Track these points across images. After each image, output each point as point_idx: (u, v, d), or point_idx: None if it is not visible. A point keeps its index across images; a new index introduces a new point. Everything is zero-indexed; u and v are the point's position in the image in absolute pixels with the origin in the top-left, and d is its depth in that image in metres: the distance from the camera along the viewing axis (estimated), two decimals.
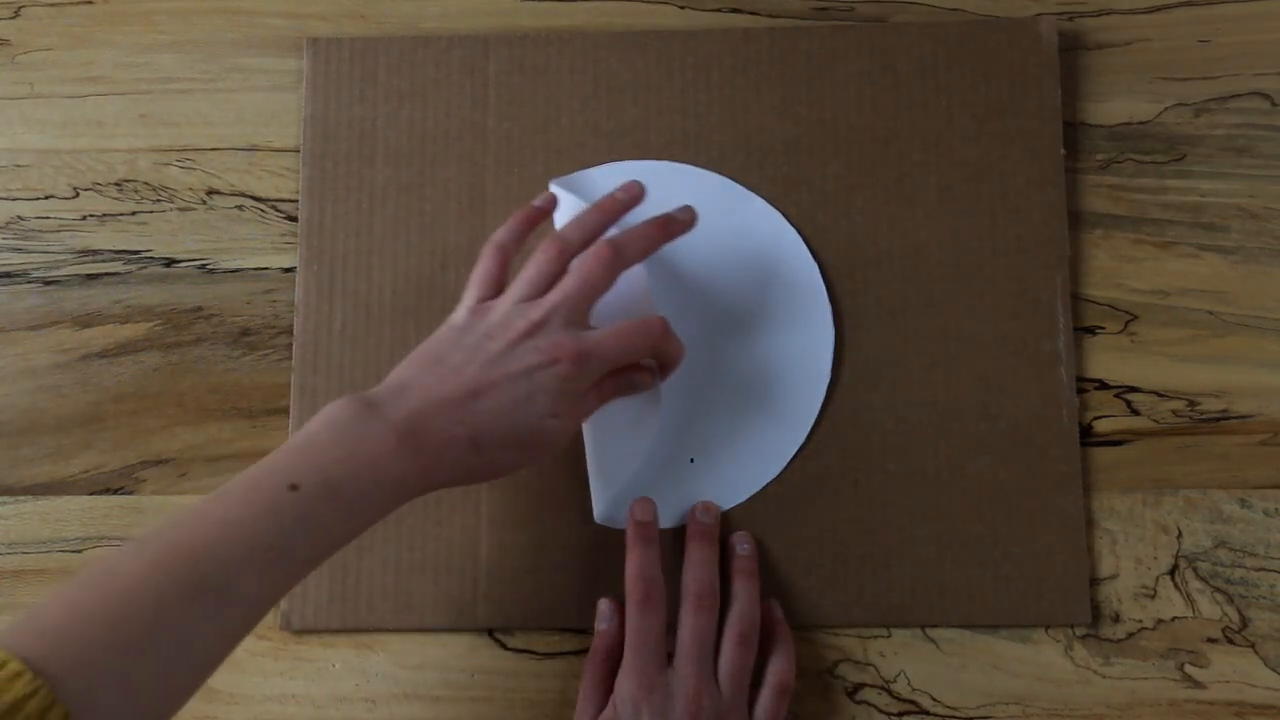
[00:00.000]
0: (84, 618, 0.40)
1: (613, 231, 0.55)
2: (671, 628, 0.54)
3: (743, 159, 0.61)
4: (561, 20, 0.63)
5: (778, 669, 0.54)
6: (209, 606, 0.42)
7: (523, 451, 0.50)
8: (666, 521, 0.57)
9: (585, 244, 0.53)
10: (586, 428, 0.57)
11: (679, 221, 0.55)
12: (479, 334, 0.50)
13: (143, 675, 0.40)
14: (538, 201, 0.56)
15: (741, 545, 0.57)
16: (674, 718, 0.51)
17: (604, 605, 0.56)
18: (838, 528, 0.58)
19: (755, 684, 0.54)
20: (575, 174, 0.60)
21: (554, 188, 0.59)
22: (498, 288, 0.53)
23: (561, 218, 0.58)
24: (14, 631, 0.39)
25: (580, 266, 0.52)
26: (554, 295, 0.51)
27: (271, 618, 0.57)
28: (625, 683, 0.52)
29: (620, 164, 0.60)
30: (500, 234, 0.54)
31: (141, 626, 0.41)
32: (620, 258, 0.52)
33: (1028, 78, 0.61)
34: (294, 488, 0.45)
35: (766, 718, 0.53)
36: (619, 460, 0.57)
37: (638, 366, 0.54)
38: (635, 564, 0.55)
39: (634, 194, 0.55)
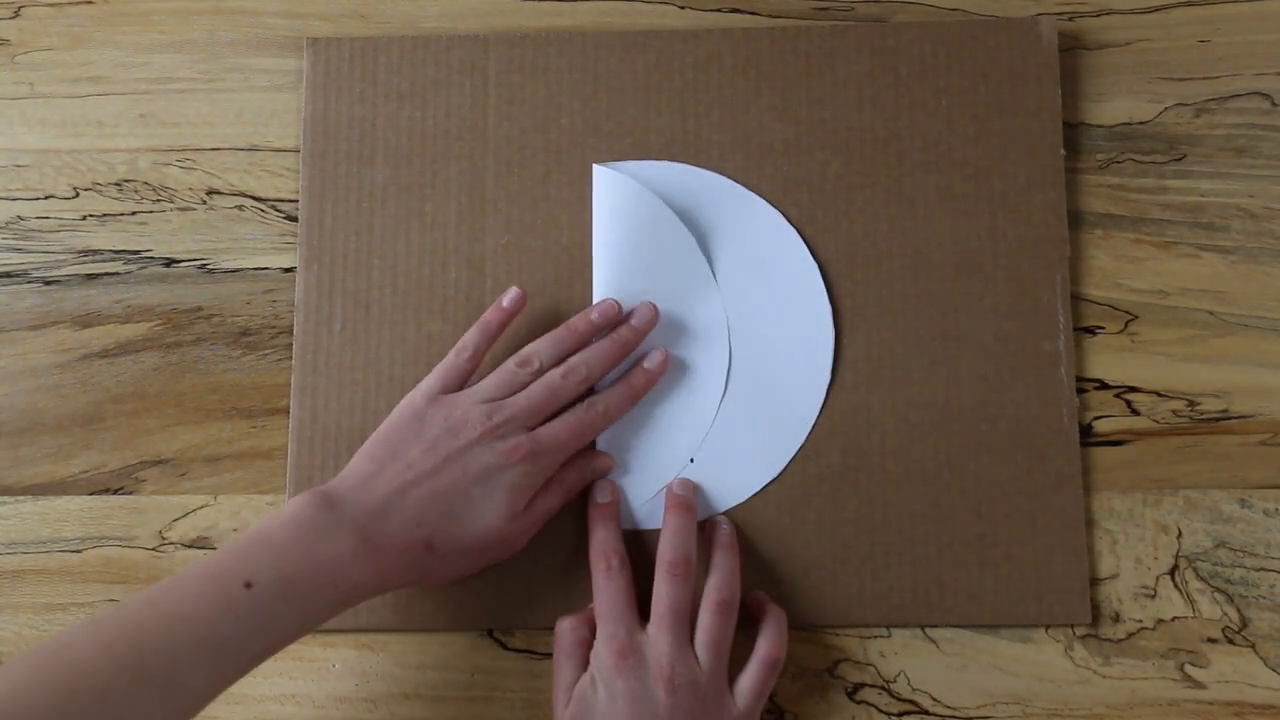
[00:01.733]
0: (31, 695, 0.42)
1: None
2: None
3: (743, 159, 0.61)
4: (562, 20, 0.63)
5: (767, 643, 0.54)
6: (155, 696, 0.44)
7: (478, 556, 0.53)
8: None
9: (556, 361, 0.56)
10: (603, 436, 0.58)
11: (651, 373, 0.57)
12: (440, 428, 0.53)
13: None
14: (505, 302, 0.57)
15: (723, 520, 0.57)
16: (649, 684, 0.51)
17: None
18: (838, 528, 0.58)
19: (744, 659, 0.54)
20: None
21: (598, 170, 0.60)
22: (460, 384, 0.55)
23: (600, 200, 0.59)
24: None
25: (547, 385, 0.55)
26: (520, 400, 0.54)
27: None
28: (600, 650, 0.52)
29: (621, 164, 0.60)
30: (470, 335, 0.56)
31: (87, 710, 0.42)
32: (592, 412, 0.55)
33: (1028, 78, 0.61)
34: (249, 585, 0.47)
35: (750, 691, 0.53)
36: (634, 463, 0.58)
37: (598, 454, 0.57)
38: (597, 540, 0.55)
39: (610, 316, 0.57)
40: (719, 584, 0.54)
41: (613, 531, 0.56)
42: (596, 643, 0.53)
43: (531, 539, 0.57)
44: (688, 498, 0.57)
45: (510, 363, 0.55)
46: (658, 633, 0.52)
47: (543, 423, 0.54)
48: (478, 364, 0.56)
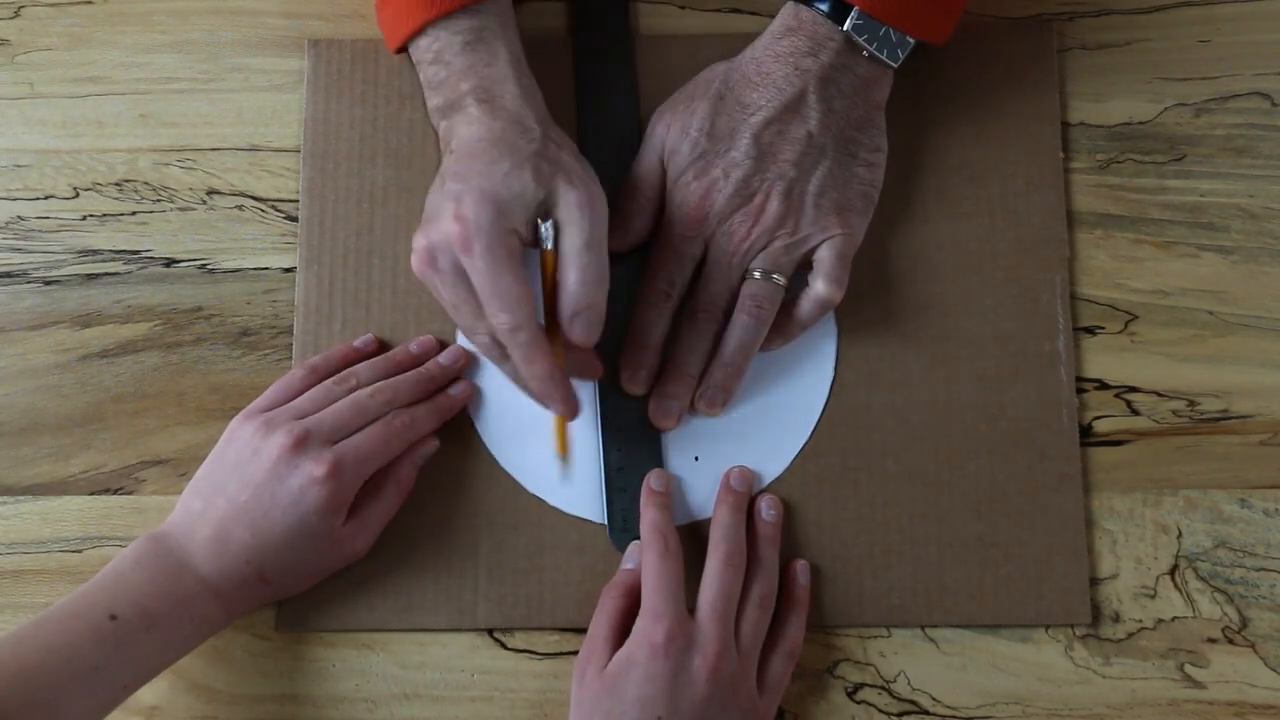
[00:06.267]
0: None
1: None
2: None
3: None
4: (561, 21, 0.63)
5: (791, 634, 0.55)
6: (41, 718, 0.47)
7: (312, 571, 0.55)
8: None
9: (371, 383, 0.57)
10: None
11: (455, 399, 0.58)
12: (249, 451, 0.53)
13: None
14: (358, 343, 0.59)
15: (767, 510, 0.57)
16: (693, 670, 0.51)
17: (635, 547, 0.57)
18: (838, 528, 0.58)
19: (766, 644, 0.54)
20: None
21: None
22: (286, 399, 0.56)
23: None
24: None
25: (354, 401, 0.55)
26: (325, 414, 0.54)
27: (271, 618, 0.57)
28: (647, 626, 0.52)
29: None
30: (315, 359, 0.58)
31: None
32: (396, 423, 0.55)
33: (1027, 78, 0.61)
34: (113, 617, 0.49)
35: (773, 680, 0.54)
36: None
37: (425, 440, 0.57)
38: (650, 520, 0.55)
39: (427, 349, 0.59)
40: (763, 578, 0.55)
41: (666, 517, 0.56)
42: (642, 619, 0.53)
43: (530, 539, 0.57)
44: (742, 496, 0.57)
45: (328, 380, 0.56)
46: (708, 621, 0.52)
47: (350, 433, 0.54)
48: (310, 383, 0.57)
